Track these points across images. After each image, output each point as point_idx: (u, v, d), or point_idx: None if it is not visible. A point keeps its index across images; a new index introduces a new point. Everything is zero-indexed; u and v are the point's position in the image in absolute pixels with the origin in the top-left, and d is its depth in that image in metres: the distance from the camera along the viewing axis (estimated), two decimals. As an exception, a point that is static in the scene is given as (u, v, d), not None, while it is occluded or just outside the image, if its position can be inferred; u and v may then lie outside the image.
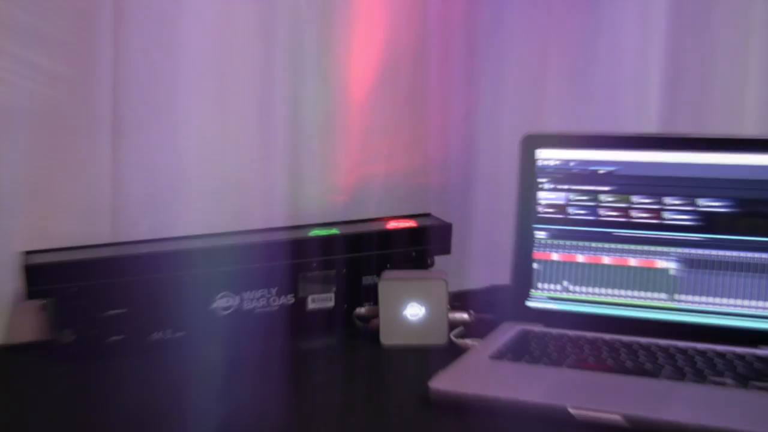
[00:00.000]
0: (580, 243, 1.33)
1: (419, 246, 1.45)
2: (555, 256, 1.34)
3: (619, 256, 1.31)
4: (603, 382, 1.13)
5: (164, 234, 1.41)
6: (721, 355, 1.19)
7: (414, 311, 1.34)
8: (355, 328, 1.39)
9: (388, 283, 1.34)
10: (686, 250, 1.28)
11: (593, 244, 1.32)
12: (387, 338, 1.34)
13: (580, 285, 1.32)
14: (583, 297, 1.32)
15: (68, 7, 1.31)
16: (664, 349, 1.21)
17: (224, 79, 1.43)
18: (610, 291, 1.31)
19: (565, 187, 1.34)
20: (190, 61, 1.40)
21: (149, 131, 1.39)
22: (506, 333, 1.29)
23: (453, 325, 1.35)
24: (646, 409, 1.04)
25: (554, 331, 1.29)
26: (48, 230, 1.35)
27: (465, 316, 1.37)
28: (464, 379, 1.15)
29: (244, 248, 1.36)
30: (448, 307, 1.34)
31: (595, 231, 1.32)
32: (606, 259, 1.31)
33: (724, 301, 1.26)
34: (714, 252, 1.26)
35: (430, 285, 1.34)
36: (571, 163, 1.33)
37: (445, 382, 1.13)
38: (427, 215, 1.54)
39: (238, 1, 1.42)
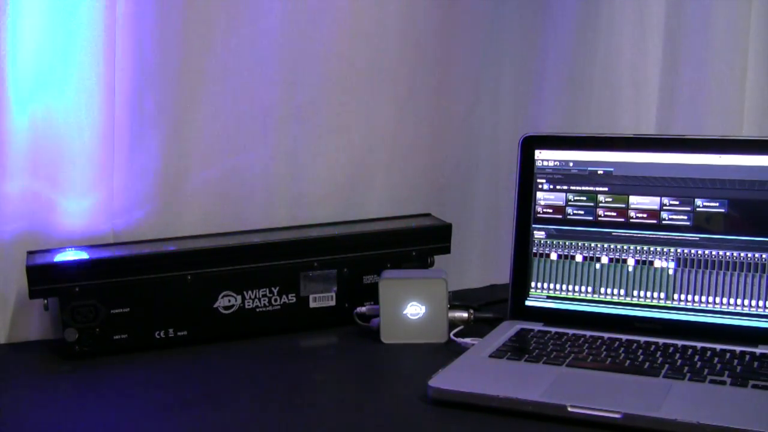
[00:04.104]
0: (579, 243, 1.34)
1: (419, 246, 1.46)
2: (554, 256, 1.35)
3: (617, 256, 1.32)
4: (602, 381, 1.14)
5: (167, 234, 1.42)
6: (720, 354, 1.20)
7: (414, 310, 1.35)
8: (356, 326, 1.40)
9: (389, 282, 1.35)
10: (684, 250, 1.29)
11: (592, 244, 1.33)
12: (387, 337, 1.35)
13: (579, 284, 1.33)
14: (582, 296, 1.33)
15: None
16: (663, 348, 1.22)
17: (226, 80, 1.44)
18: (608, 290, 1.32)
19: (564, 187, 1.35)
20: (194, 63, 1.41)
21: (151, 132, 1.40)
22: (505, 332, 1.30)
23: (453, 324, 1.36)
24: (645, 407, 1.05)
25: (553, 330, 1.30)
26: (51, 230, 1.36)
27: (465, 315, 1.38)
28: (463, 377, 1.16)
29: (246, 248, 1.37)
30: (448, 306, 1.35)
31: (593, 231, 1.33)
32: (604, 259, 1.32)
33: (723, 300, 1.27)
34: (712, 252, 1.27)
35: (430, 284, 1.35)
36: (570, 164, 1.34)
37: (444, 380, 1.14)
38: (427, 215, 1.55)
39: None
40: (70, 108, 1.33)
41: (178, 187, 1.43)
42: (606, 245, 1.32)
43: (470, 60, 1.59)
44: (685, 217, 1.28)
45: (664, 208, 1.29)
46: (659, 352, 1.21)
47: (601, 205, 1.33)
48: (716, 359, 1.18)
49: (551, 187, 1.35)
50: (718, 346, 1.22)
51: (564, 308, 1.34)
